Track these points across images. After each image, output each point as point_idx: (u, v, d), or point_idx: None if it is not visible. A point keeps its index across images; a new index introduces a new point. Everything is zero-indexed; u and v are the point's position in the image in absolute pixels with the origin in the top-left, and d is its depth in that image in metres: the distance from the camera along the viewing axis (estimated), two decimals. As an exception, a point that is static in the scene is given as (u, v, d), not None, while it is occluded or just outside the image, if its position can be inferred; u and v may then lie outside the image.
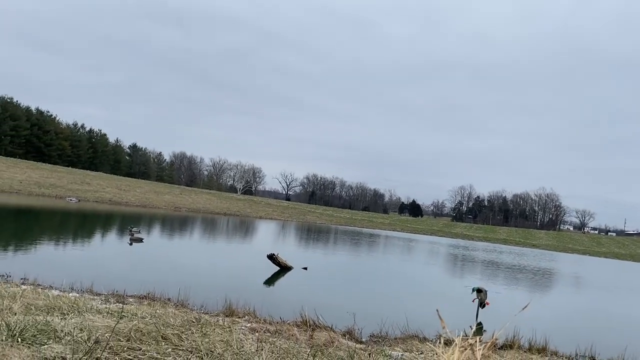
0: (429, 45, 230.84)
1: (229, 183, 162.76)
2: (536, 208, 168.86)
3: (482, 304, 13.49)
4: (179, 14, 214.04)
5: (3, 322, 4.63)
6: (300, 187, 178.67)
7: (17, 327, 4.49)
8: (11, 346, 4.07)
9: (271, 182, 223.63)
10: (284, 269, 18.48)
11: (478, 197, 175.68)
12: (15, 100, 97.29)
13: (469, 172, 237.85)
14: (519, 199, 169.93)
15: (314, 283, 17.30)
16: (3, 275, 10.70)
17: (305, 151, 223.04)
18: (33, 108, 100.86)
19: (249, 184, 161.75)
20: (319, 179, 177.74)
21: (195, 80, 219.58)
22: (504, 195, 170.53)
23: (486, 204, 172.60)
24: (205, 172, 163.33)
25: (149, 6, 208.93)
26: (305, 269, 19.11)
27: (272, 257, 18.68)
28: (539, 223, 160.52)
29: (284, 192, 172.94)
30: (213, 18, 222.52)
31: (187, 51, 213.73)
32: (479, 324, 12.51)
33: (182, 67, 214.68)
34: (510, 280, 26.82)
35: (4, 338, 4.24)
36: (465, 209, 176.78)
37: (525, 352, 9.08)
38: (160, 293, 10.54)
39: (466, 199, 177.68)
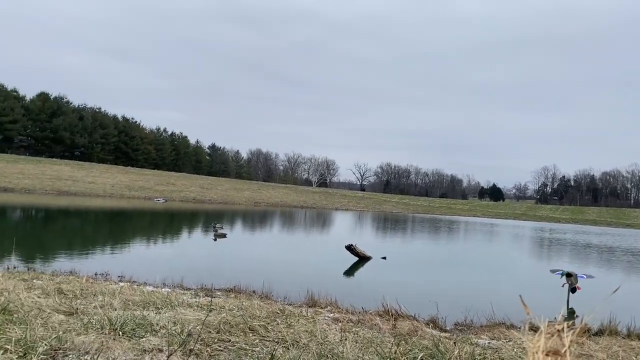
0: (507, 22, 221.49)
1: (304, 176, 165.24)
2: (629, 185, 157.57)
3: (572, 289, 12.83)
4: (251, 13, 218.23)
5: (106, 317, 5.00)
6: (375, 177, 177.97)
7: (118, 322, 4.83)
8: (114, 339, 4.39)
9: (345, 173, 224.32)
10: (362, 259, 18.52)
11: (563, 177, 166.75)
12: (103, 109, 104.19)
13: (552, 152, 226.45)
14: (608, 177, 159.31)
15: (393, 272, 17.21)
16: (103, 274, 11.52)
17: (378, 140, 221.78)
18: (119, 116, 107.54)
19: (323, 176, 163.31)
20: (393, 167, 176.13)
21: (269, 76, 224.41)
22: (591, 174, 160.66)
23: (572, 184, 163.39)
24: (281, 167, 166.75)
25: (221, 7, 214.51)
26: (384, 258, 19.04)
27: (350, 248, 18.77)
28: (632, 201, 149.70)
29: (359, 183, 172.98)
30: (284, 14, 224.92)
31: (260, 49, 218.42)
32: (571, 310, 11.93)
33: (256, 65, 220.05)
34: (604, 263, 25.29)
35: (107, 332, 4.58)
36: (549, 190, 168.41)
37: (623, 338, 8.55)
38: (245, 286, 10.90)
39: (550, 179, 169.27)
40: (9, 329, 4.21)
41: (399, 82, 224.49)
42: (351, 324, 7.08)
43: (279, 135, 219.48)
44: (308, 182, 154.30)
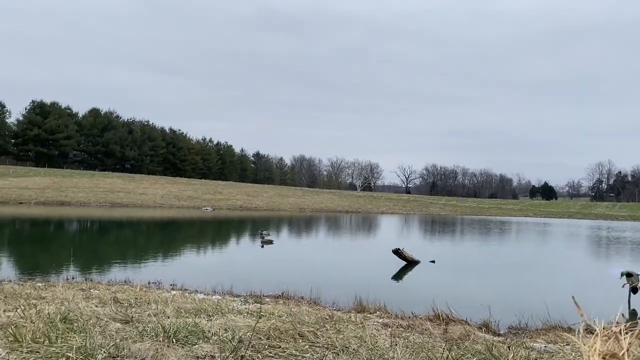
0: (552, 13, 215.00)
1: (347, 181, 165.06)
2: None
3: (634, 289, 12.25)
4: (290, 20, 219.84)
5: (159, 325, 5.13)
6: (420, 179, 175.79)
7: (171, 329, 4.95)
8: (168, 346, 4.50)
9: (389, 176, 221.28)
10: (410, 263, 18.30)
11: (619, 172, 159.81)
12: (151, 122, 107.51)
13: (606, 147, 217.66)
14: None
15: (443, 276, 16.92)
16: (155, 282, 11.85)
17: (423, 142, 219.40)
18: (167, 128, 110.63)
19: (367, 180, 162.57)
20: (439, 169, 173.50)
21: (311, 82, 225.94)
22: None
23: (630, 179, 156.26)
24: (325, 173, 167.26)
25: (261, 16, 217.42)
26: (433, 262, 18.75)
27: (397, 252, 18.59)
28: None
29: (404, 186, 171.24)
30: (326, 20, 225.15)
31: (301, 55, 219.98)
32: (633, 311, 11.40)
33: (298, 71, 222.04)
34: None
35: (161, 339, 4.69)
36: (605, 187, 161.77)
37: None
38: (294, 292, 10.97)
39: (605, 176, 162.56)
40: (70, 337, 4.39)
41: (442, 81, 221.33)
42: (401, 329, 7.00)
43: (321, 141, 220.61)
44: (352, 187, 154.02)
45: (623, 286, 12.38)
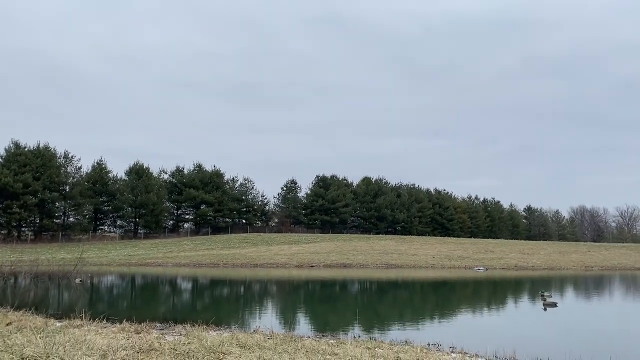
0: None
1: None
2: None
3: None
4: (556, 64, 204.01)
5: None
6: None
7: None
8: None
9: None
10: None
11: None
12: (417, 185, 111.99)
13: None
14: None
15: None
16: (435, 344, 11.91)
17: None
18: (432, 189, 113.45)
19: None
20: None
21: (587, 124, 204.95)
22: None
23: None
24: (613, 224, 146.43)
25: (525, 65, 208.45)
26: None
27: None
28: None
29: None
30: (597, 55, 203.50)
31: (571, 96, 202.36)
32: None
33: (571, 114, 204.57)
34: None
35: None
36: None
37: None
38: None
39: None
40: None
41: None
42: None
43: (604, 189, 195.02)
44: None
45: None
